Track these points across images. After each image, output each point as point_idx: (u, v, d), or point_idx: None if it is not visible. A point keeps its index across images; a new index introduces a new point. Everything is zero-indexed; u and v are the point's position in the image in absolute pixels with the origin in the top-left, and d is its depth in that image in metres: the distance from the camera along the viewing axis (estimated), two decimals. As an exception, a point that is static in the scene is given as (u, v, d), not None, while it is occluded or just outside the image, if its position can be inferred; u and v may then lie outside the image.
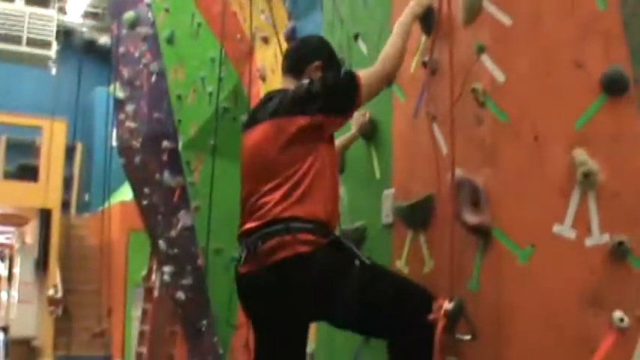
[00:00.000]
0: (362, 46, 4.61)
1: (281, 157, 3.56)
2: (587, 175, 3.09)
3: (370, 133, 4.39)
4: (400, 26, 3.82)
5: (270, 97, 3.91)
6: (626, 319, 2.95)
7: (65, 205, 19.03)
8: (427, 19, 3.85)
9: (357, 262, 3.48)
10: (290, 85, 3.88)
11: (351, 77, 3.69)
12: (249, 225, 3.58)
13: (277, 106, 3.70)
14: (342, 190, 4.40)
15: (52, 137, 16.75)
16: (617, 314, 2.96)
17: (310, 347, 4.00)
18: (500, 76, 3.34)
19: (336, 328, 3.84)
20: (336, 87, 3.69)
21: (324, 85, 3.66)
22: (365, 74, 3.70)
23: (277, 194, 3.50)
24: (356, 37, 4.66)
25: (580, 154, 3.13)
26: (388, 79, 3.86)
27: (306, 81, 3.76)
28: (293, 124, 3.57)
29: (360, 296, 3.43)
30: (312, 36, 4.27)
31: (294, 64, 4.00)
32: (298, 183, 3.50)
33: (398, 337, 3.55)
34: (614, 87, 3.14)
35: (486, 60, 3.39)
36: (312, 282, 3.42)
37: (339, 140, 4.19)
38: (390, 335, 3.60)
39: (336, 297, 3.42)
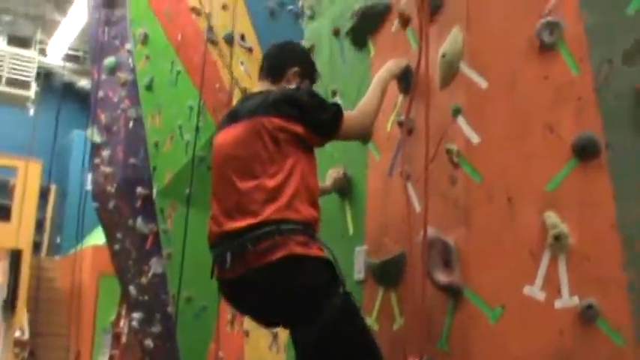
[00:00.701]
0: (339, 101, 4.63)
1: (261, 155, 3.52)
2: (558, 238, 3.12)
3: (344, 188, 4.41)
4: (377, 84, 3.86)
5: (248, 97, 3.92)
6: (594, 383, 2.97)
7: (36, 246, 18.91)
8: (404, 79, 3.90)
9: (341, 290, 3.46)
10: (267, 88, 3.87)
11: (338, 107, 3.73)
12: (231, 225, 3.50)
13: (257, 105, 3.66)
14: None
15: (27, 178, 16.68)
16: (585, 377, 2.98)
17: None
18: (474, 138, 3.39)
19: (293, 343, 3.67)
20: (322, 106, 3.70)
21: (310, 98, 3.67)
22: (346, 114, 3.73)
23: (261, 194, 3.46)
24: (334, 93, 4.69)
25: (551, 216, 3.17)
26: (362, 130, 3.87)
27: (292, 86, 3.80)
28: (271, 123, 3.54)
29: (336, 323, 3.39)
30: (290, 42, 4.21)
31: (272, 68, 3.98)
32: (283, 184, 3.47)
33: None
34: (585, 152, 3.18)
35: (462, 121, 3.44)
36: (303, 284, 3.39)
37: None
38: None
39: (317, 310, 3.38)
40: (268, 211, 3.41)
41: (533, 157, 3.29)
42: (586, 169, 3.17)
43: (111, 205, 9.60)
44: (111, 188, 9.51)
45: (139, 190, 8.78)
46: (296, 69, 3.93)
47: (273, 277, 3.38)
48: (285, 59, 3.99)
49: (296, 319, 3.50)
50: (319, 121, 3.64)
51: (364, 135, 3.96)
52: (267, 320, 3.83)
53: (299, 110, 3.59)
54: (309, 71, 4.03)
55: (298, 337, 3.57)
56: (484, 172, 3.34)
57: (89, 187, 10.84)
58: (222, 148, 3.75)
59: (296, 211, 3.45)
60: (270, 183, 3.46)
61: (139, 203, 8.85)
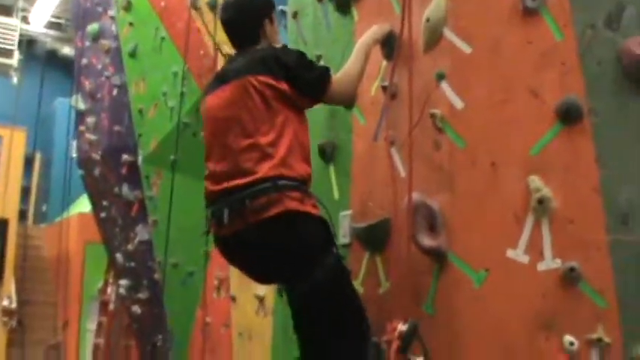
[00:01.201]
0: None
1: (251, 113, 3.55)
2: (542, 202, 3.15)
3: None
4: (360, 48, 3.87)
5: (234, 58, 3.91)
6: (577, 343, 3.00)
7: (22, 215, 18.85)
8: (388, 44, 3.91)
9: (334, 250, 3.54)
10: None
11: (326, 70, 3.75)
12: (228, 183, 3.54)
13: (244, 64, 3.68)
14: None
15: (11, 146, 16.60)
16: (568, 338, 3.02)
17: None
18: (458, 103, 3.41)
19: (288, 301, 3.73)
20: (309, 66, 3.72)
21: (297, 58, 3.69)
22: (334, 77, 3.75)
23: (255, 153, 3.49)
24: (318, 58, 4.68)
25: (535, 180, 3.19)
26: (347, 94, 3.86)
27: (278, 45, 3.80)
28: (258, 81, 3.55)
29: (327, 281, 3.46)
30: (237, 7, 4.02)
31: (246, 35, 3.93)
32: (276, 141, 3.50)
33: (332, 341, 3.52)
34: (568, 116, 3.20)
35: (445, 87, 3.46)
36: (298, 239, 3.45)
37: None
38: (326, 336, 3.54)
39: (310, 267, 3.45)
40: (264, 169, 3.44)
41: (516, 121, 3.31)
42: (569, 133, 3.20)
43: (96, 172, 9.57)
44: (96, 155, 9.48)
45: (125, 157, 8.76)
46: (267, 20, 3.93)
47: (270, 233, 3.43)
48: (251, 22, 3.93)
49: (290, 275, 3.55)
50: (305, 81, 3.65)
51: (349, 99, 3.93)
52: (262, 276, 3.89)
53: (285, 69, 3.60)
54: (271, 10, 4.00)
55: (292, 293, 3.63)
56: (468, 136, 3.36)
57: (74, 154, 10.82)
58: (212, 111, 3.76)
59: (290, 168, 3.49)
60: (263, 140, 3.50)
61: (124, 170, 8.83)
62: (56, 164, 18.35)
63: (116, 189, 9.05)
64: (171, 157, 7.02)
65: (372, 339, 3.54)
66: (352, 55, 3.87)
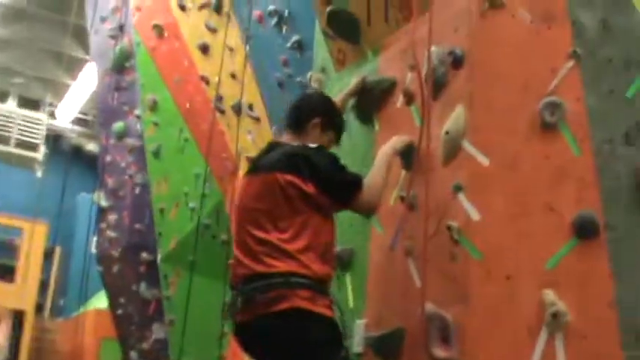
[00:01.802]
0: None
1: (274, 210, 3.58)
2: (556, 316, 3.14)
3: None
4: (382, 159, 3.90)
5: (273, 146, 3.94)
6: None
7: (39, 308, 18.84)
8: (407, 155, 3.94)
9: (343, 353, 3.52)
10: (291, 140, 3.91)
11: (358, 176, 3.75)
12: (242, 271, 3.60)
13: (275, 160, 3.71)
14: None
15: (32, 239, 16.70)
16: None
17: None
18: (475, 215, 3.41)
19: None
20: (338, 169, 3.73)
21: (327, 159, 3.70)
22: (365, 188, 3.74)
23: (271, 249, 3.51)
24: (340, 168, 4.71)
25: (549, 294, 3.19)
26: (370, 204, 3.82)
27: (313, 145, 3.77)
28: (284, 179, 3.58)
29: None
30: (314, 93, 4.31)
31: (294, 119, 4.01)
32: (292, 240, 3.51)
33: None
34: (584, 231, 3.21)
35: (462, 198, 3.47)
36: (304, 337, 3.43)
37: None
38: None
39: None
40: (277, 264, 3.46)
41: (532, 235, 3.32)
42: (585, 248, 3.21)
43: (115, 269, 9.61)
44: (115, 252, 9.53)
45: (144, 255, 8.81)
46: (316, 120, 3.95)
47: (276, 327, 3.43)
48: (306, 110, 4.01)
49: None
50: (334, 184, 3.66)
51: (374, 208, 3.88)
52: None
53: (314, 170, 3.61)
54: (331, 122, 4.04)
55: None
56: (484, 249, 3.36)
57: (94, 250, 10.87)
58: (243, 200, 3.83)
59: (305, 267, 3.47)
60: (280, 237, 3.52)
61: (143, 268, 8.87)
62: (75, 259, 18.37)
63: (134, 287, 9.08)
64: (190, 257, 7.04)
65: None
66: (374, 166, 3.90)
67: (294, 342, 3.42)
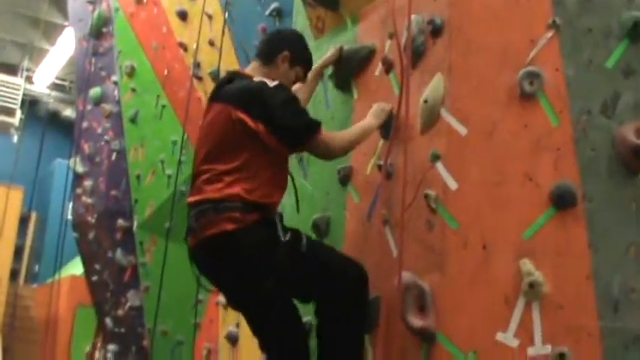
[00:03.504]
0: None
1: (221, 141, 3.68)
2: (533, 286, 3.15)
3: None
4: (362, 124, 3.93)
5: (233, 77, 3.97)
6: None
7: (14, 273, 18.79)
8: (385, 124, 3.93)
9: (284, 239, 3.57)
10: (256, 71, 3.94)
11: (315, 122, 3.77)
12: (189, 199, 3.75)
13: (232, 93, 3.76)
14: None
15: (8, 204, 16.60)
16: None
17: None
18: (452, 184, 3.41)
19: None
20: (291, 111, 3.73)
21: (281, 100, 3.69)
22: (327, 132, 3.78)
23: (211, 176, 3.64)
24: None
25: (526, 264, 3.19)
26: (333, 153, 3.85)
27: (272, 83, 3.76)
28: (236, 116, 3.64)
29: (290, 269, 3.56)
30: (285, 28, 4.39)
31: (264, 51, 4.05)
32: (232, 171, 3.60)
33: (327, 301, 3.66)
34: (562, 201, 3.22)
35: (440, 167, 3.47)
36: (236, 257, 3.54)
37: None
38: (320, 298, 3.70)
39: (263, 270, 3.53)
40: (210, 191, 3.60)
41: (510, 204, 3.32)
42: (563, 218, 3.22)
43: (91, 235, 9.58)
44: (91, 219, 9.50)
45: (120, 222, 8.78)
46: (285, 53, 3.99)
47: (211, 249, 3.59)
48: (276, 42, 4.06)
49: (251, 284, 3.59)
50: (283, 125, 3.67)
51: (329, 154, 3.88)
52: (231, 294, 3.89)
53: (264, 109, 3.65)
54: (300, 57, 4.07)
55: (272, 293, 3.65)
56: (461, 218, 3.37)
57: (70, 216, 10.83)
58: (203, 127, 3.90)
59: (236, 194, 3.56)
60: (220, 168, 3.62)
61: (119, 235, 8.84)
62: (51, 225, 18.32)
63: (110, 253, 9.06)
64: (167, 224, 7.02)
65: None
66: (354, 126, 3.96)
67: (230, 262, 3.56)
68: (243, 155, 3.62)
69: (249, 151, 3.63)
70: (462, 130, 3.46)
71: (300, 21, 5.22)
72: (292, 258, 3.56)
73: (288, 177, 3.89)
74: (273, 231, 3.58)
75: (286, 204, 4.22)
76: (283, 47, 4.00)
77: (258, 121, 3.62)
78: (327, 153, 3.83)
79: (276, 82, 3.78)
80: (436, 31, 3.71)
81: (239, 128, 3.63)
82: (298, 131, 3.71)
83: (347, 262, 3.69)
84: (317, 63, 4.39)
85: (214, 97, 3.90)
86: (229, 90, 3.80)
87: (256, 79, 3.82)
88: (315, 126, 3.73)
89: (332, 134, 3.84)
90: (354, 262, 3.69)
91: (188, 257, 3.79)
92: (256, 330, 3.83)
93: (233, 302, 3.91)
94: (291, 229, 3.66)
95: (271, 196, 3.70)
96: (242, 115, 3.62)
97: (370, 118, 3.93)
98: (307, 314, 3.92)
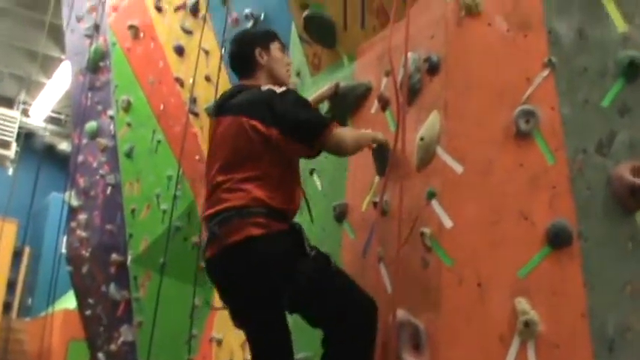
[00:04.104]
0: (316, 180, 4.67)
1: (237, 152, 3.69)
2: (528, 325, 3.14)
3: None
4: (364, 134, 3.95)
5: (239, 89, 3.96)
6: None
7: (7, 307, 18.73)
8: (381, 161, 3.93)
9: (310, 252, 3.58)
10: (258, 81, 3.95)
11: (327, 119, 3.84)
12: (208, 212, 3.72)
13: (243, 104, 3.78)
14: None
15: (2, 238, 16.56)
16: None
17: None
18: (448, 222, 3.41)
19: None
20: (302, 110, 3.75)
21: (292, 104, 3.72)
22: (340, 129, 3.77)
23: (233, 184, 3.63)
24: (311, 172, 4.74)
25: (522, 303, 3.19)
26: (347, 149, 3.83)
27: (280, 89, 3.78)
28: (249, 125, 3.66)
29: (310, 283, 3.52)
30: (240, 33, 4.32)
31: (240, 66, 4.08)
32: (254, 177, 3.61)
33: (337, 328, 3.57)
34: (557, 239, 3.22)
35: (436, 205, 3.47)
36: (262, 262, 3.50)
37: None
38: (331, 325, 3.61)
39: (286, 279, 3.49)
40: (234, 199, 3.59)
41: (505, 243, 3.32)
42: (558, 257, 3.22)
43: (84, 269, 9.55)
44: (85, 253, 9.47)
45: (114, 256, 8.75)
46: (257, 50, 4.01)
47: (236, 256, 3.54)
48: (243, 52, 4.06)
49: (269, 292, 3.56)
50: (296, 125, 3.68)
51: (342, 149, 3.85)
52: (243, 304, 3.77)
53: (275, 114, 3.67)
54: (266, 40, 4.09)
55: (288, 304, 3.64)
56: (456, 256, 3.36)
57: (64, 250, 10.80)
58: (213, 142, 3.92)
59: (259, 200, 3.57)
60: (241, 177, 3.62)
61: (112, 269, 8.81)
62: (45, 259, 18.27)
63: (103, 287, 9.02)
64: (161, 259, 7.00)
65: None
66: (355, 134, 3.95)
67: (255, 268, 3.50)
68: (262, 163, 3.64)
69: (266, 159, 3.65)
70: (458, 168, 3.47)
71: (296, 57, 5.24)
72: (317, 274, 3.55)
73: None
74: (299, 242, 3.60)
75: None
76: (251, 49, 4.02)
77: (271, 127, 3.65)
78: (341, 148, 3.82)
79: (283, 88, 3.82)
80: (432, 68, 3.72)
81: (254, 137, 3.65)
82: (312, 126, 3.71)
83: (364, 294, 3.63)
84: (313, 96, 4.40)
85: (221, 111, 3.91)
86: (238, 101, 3.82)
87: (264, 87, 3.83)
88: (327, 120, 3.76)
89: (344, 129, 3.86)
90: (370, 297, 3.64)
91: (207, 270, 3.80)
92: (257, 348, 3.77)
93: (241, 316, 3.85)
94: (315, 247, 3.66)
95: (291, 201, 3.74)
96: (255, 123, 3.65)
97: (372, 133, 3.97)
98: (301, 351, 3.91)
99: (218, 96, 5.85)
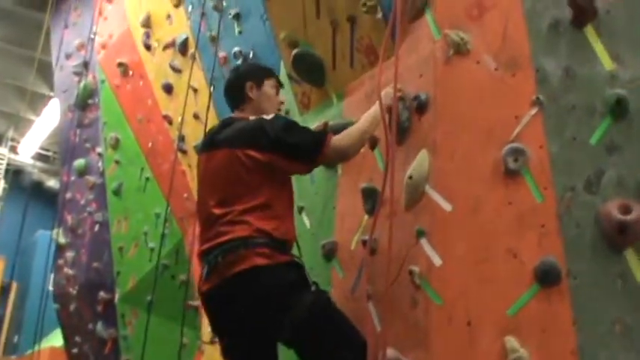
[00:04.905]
0: (305, 219, 4.67)
1: (234, 184, 3.70)
2: (518, 363, 3.13)
3: None
4: (367, 116, 3.92)
5: (228, 122, 3.97)
6: None
7: (-6, 344, 18.61)
8: (370, 199, 3.94)
9: (313, 288, 3.57)
10: (246, 113, 3.99)
11: (321, 133, 3.85)
12: (207, 245, 3.70)
13: (234, 135, 3.80)
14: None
15: (-12, 274, 16.51)
16: None
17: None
18: (437, 260, 3.41)
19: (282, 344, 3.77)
20: (295, 130, 3.78)
21: (281, 126, 3.74)
22: (335, 138, 3.77)
23: (234, 216, 3.64)
24: (300, 210, 4.73)
25: (511, 341, 3.18)
26: (346, 154, 3.86)
27: (269, 116, 3.81)
28: (245, 155, 3.68)
29: (311, 316, 3.49)
30: (234, 69, 4.37)
31: (232, 99, 4.14)
32: (253, 208, 3.62)
33: None
34: (546, 278, 3.21)
35: (425, 243, 3.47)
36: (267, 292, 3.49)
37: None
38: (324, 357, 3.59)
39: (286, 311, 3.47)
40: (236, 230, 3.59)
41: (494, 281, 3.31)
42: (547, 295, 3.20)
43: (72, 307, 9.50)
44: (73, 290, 9.43)
45: (101, 294, 8.71)
46: (248, 84, 4.06)
47: (239, 286, 3.53)
48: (235, 87, 4.12)
49: (269, 323, 3.55)
50: (293, 145, 3.71)
51: (342, 157, 3.92)
52: (241, 334, 3.76)
53: (270, 138, 3.68)
54: (260, 75, 4.15)
55: (284, 337, 3.62)
56: (445, 294, 3.36)
57: (51, 287, 10.74)
58: (204, 174, 3.95)
59: (262, 230, 3.58)
60: (240, 208, 3.64)
61: (100, 307, 8.77)
62: (32, 296, 18.16)
63: (90, 325, 8.97)
64: (148, 297, 6.97)
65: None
66: (359, 122, 3.93)
67: (259, 298, 3.51)
68: (260, 193, 3.67)
69: (265, 188, 3.68)
70: (447, 207, 3.47)
71: (285, 96, 5.24)
72: (317, 309, 3.53)
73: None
74: (302, 275, 3.61)
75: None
76: (242, 82, 4.08)
77: (267, 153, 3.68)
78: (343, 155, 3.86)
79: (272, 115, 3.85)
80: (421, 107, 3.74)
81: (251, 166, 3.67)
82: (310, 145, 3.74)
83: (359, 333, 3.59)
84: None
85: (211, 145, 3.93)
86: (228, 134, 3.84)
87: (252, 118, 3.86)
88: (323, 135, 3.77)
89: (339, 136, 3.83)
90: (363, 336, 3.60)
91: (202, 303, 3.81)
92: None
93: (234, 351, 3.80)
94: (316, 282, 3.66)
95: (290, 232, 3.77)
96: (251, 152, 3.68)
97: (375, 106, 3.91)
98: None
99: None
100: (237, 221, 3.62)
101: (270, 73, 4.21)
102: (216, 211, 3.72)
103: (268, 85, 4.11)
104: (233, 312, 3.63)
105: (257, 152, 3.67)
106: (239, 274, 3.51)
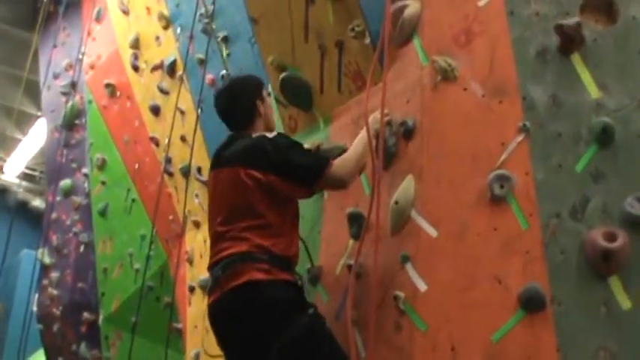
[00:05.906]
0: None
1: (236, 203, 3.75)
2: (502, 390, 3.13)
3: None
4: (358, 142, 3.94)
5: (235, 138, 4.00)
6: None
7: (-26, 366, 18.46)
8: (356, 224, 3.94)
9: (310, 311, 3.58)
10: (250, 129, 4.00)
11: (323, 158, 3.88)
12: (212, 260, 3.79)
13: (237, 154, 3.84)
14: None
15: (-30, 294, 16.41)
16: None
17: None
18: (422, 286, 3.41)
19: None
20: (298, 153, 3.82)
21: (287, 149, 3.78)
22: (338, 161, 3.80)
23: (236, 233, 3.69)
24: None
25: (495, 367, 3.18)
26: (344, 180, 3.86)
27: (271, 135, 3.86)
28: (246, 174, 3.73)
29: (308, 335, 3.51)
30: (228, 87, 4.27)
31: (239, 122, 4.08)
32: (257, 226, 3.66)
33: None
34: (531, 304, 3.22)
35: (410, 269, 3.47)
36: (263, 307, 3.52)
37: None
38: None
39: (280, 331, 3.47)
40: (239, 246, 3.64)
41: (479, 307, 3.32)
42: (532, 321, 3.21)
43: (55, 328, 9.45)
44: (57, 311, 9.38)
45: (85, 315, 8.67)
46: (258, 101, 4.06)
47: (237, 300, 3.58)
48: (245, 105, 4.08)
49: (265, 338, 3.54)
50: (295, 169, 3.75)
51: (342, 184, 3.90)
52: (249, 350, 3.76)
53: (270, 160, 3.73)
54: (260, 88, 4.15)
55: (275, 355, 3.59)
56: (430, 320, 3.36)
57: (35, 307, 10.69)
58: (212, 191, 4.02)
59: (262, 247, 3.62)
60: (242, 225, 3.68)
61: (83, 328, 8.73)
62: (15, 316, 18.03)
63: (74, 346, 8.93)
64: (132, 319, 6.94)
65: None
66: (351, 147, 3.95)
67: (255, 311, 3.53)
68: (262, 212, 3.69)
69: (266, 208, 3.70)
70: (432, 232, 3.48)
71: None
72: (313, 330, 3.56)
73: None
74: (301, 294, 3.64)
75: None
76: (252, 100, 4.07)
77: (269, 173, 3.71)
78: (342, 182, 3.87)
79: (274, 133, 3.90)
80: (408, 133, 3.75)
81: (253, 186, 3.71)
82: (312, 168, 3.77)
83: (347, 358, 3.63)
84: None
85: (218, 164, 3.98)
86: (232, 152, 3.88)
87: (255, 134, 3.89)
88: (326, 160, 3.80)
89: (339, 161, 3.84)
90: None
91: (208, 317, 3.82)
92: None
93: None
94: (314, 304, 3.68)
95: (292, 249, 3.78)
96: (252, 172, 3.72)
97: (363, 131, 3.90)
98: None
99: (194, 156, 5.91)
100: (237, 237, 3.67)
101: (262, 81, 4.24)
102: (221, 229, 3.78)
103: (266, 95, 4.16)
104: (232, 325, 3.66)
105: (259, 172, 3.71)
106: (237, 288, 3.55)
